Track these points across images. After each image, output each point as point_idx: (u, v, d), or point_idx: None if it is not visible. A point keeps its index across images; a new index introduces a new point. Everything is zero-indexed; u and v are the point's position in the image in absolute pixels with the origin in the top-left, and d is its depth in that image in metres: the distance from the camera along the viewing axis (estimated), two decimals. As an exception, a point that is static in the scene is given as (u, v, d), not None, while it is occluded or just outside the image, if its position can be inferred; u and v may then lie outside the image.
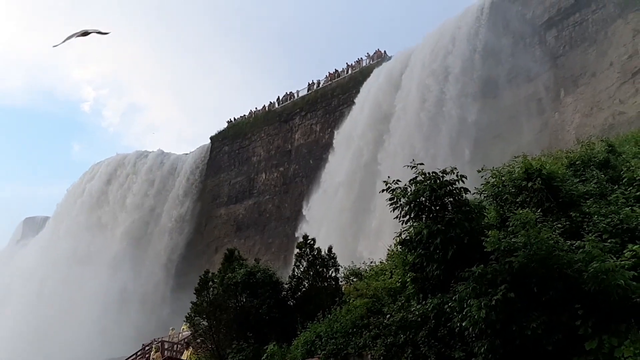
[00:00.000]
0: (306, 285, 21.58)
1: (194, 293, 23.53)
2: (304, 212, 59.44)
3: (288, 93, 74.00)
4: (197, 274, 25.47)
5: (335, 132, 60.18)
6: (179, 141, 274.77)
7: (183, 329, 38.14)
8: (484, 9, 48.28)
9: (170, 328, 45.23)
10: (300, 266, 21.91)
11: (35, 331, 68.63)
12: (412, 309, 12.65)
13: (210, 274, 23.85)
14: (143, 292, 72.79)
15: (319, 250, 21.94)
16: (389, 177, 13.29)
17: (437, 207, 12.39)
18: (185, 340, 33.54)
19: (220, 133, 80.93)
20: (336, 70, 67.82)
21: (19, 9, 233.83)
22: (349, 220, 49.12)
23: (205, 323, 22.79)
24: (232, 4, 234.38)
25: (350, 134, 56.22)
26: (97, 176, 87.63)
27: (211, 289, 22.94)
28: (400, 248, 14.04)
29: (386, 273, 18.24)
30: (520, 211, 11.25)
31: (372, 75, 58.26)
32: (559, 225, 11.39)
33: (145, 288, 73.34)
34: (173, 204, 79.24)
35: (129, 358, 38.95)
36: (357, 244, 44.61)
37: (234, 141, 77.90)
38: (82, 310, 68.41)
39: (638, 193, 12.90)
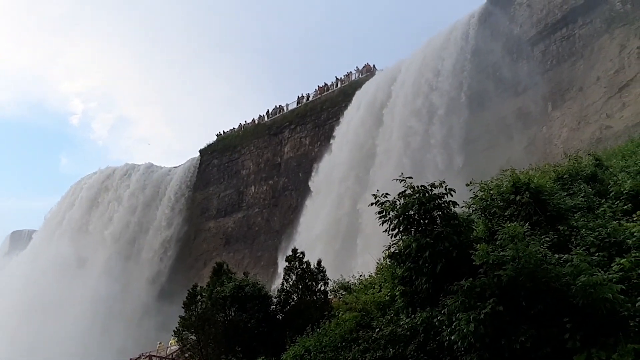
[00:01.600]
0: (295, 299, 21.48)
1: (182, 307, 23.38)
2: (279, 262, 55.39)
3: (278, 106, 74.19)
4: (186, 288, 25.32)
5: (313, 173, 58.85)
6: (168, 154, 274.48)
7: (171, 343, 37.87)
8: (471, 26, 48.65)
9: (158, 342, 44.89)
10: (289, 280, 21.82)
11: (21, 345, 67.90)
12: (401, 323, 12.62)
13: (198, 288, 23.72)
14: (130, 306, 72.23)
15: (308, 263, 21.86)
16: (377, 190, 13.30)
17: (426, 221, 12.39)
18: (174, 354, 33.29)
19: (209, 146, 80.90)
20: (325, 84, 68.07)
21: (9, 23, 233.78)
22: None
23: (193, 337, 22.65)
24: (220, 19, 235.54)
25: (329, 176, 54.08)
26: (77, 203, 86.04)
27: (199, 302, 22.81)
28: (389, 261, 14.02)
29: (375, 287, 18.21)
30: (509, 225, 11.27)
31: (352, 102, 57.57)
32: (547, 238, 11.43)
33: (133, 302, 72.78)
34: (155, 234, 78.28)
35: (116, 373, 38.59)
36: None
37: (223, 154, 77.87)
38: (68, 324, 67.85)
39: (625, 207, 12.99)
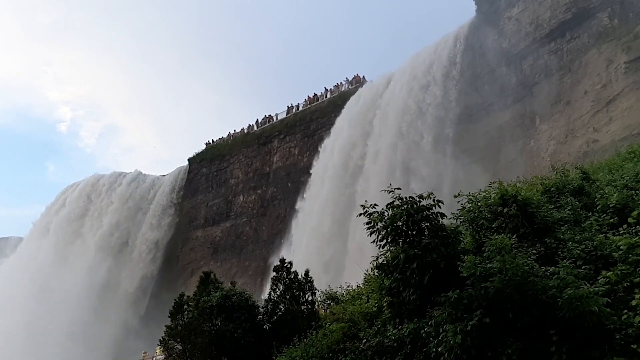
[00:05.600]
0: (282, 309, 21.40)
1: (169, 316, 23.24)
2: (266, 272, 52.01)
3: (267, 116, 74.13)
4: (172, 297, 25.18)
5: (297, 207, 57.72)
6: (156, 163, 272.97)
7: (157, 352, 37.60)
8: (460, 40, 48.94)
9: (143, 352, 44.58)
10: (277, 290, 21.74)
11: (4, 355, 67.16)
12: (389, 334, 12.58)
13: (185, 297, 23.59)
14: (116, 314, 71.59)
15: (295, 274, 21.80)
16: (366, 201, 13.31)
17: (414, 232, 12.40)
18: (159, 364, 33.06)
19: (198, 155, 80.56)
20: (315, 95, 68.16)
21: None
22: None
23: (179, 347, 22.49)
24: (208, 29, 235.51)
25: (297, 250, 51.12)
26: (64, 211, 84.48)
27: (186, 312, 22.69)
28: (377, 272, 14.01)
29: (363, 297, 18.18)
30: (496, 237, 11.32)
31: (323, 149, 56.84)
32: (534, 251, 11.49)
33: (119, 310, 72.15)
34: (142, 242, 77.48)
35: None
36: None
37: (211, 163, 77.62)
38: (51, 334, 67.16)
39: (612, 220, 13.07)
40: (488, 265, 10.49)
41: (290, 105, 70.87)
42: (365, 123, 52.04)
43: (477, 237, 12.78)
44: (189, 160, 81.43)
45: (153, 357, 40.19)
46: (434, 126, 46.49)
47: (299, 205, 56.45)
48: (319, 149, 58.55)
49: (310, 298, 21.46)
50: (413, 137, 46.96)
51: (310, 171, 57.85)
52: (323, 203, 50.91)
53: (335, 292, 21.85)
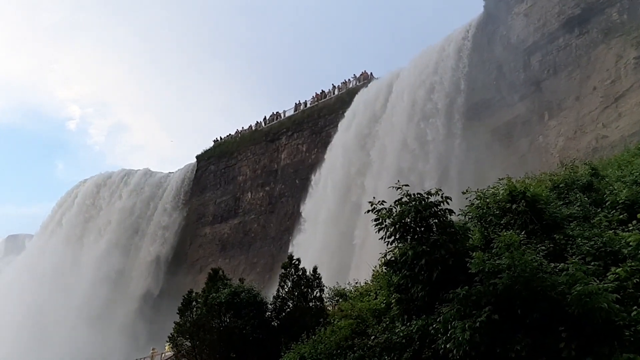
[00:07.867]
0: (290, 305, 21.41)
1: (177, 313, 23.30)
2: (274, 269, 52.72)
3: (275, 113, 74.14)
4: (181, 294, 25.25)
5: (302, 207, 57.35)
6: (163, 161, 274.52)
7: (166, 349, 37.69)
8: (468, 35, 48.66)
9: (152, 348, 44.67)
10: (285, 286, 21.76)
11: (17, 350, 67.59)
12: (397, 331, 12.58)
13: (194, 294, 23.65)
14: (125, 312, 71.83)
15: (303, 270, 21.81)
16: (374, 197, 13.31)
17: (422, 228, 12.39)
18: (168, 360, 33.14)
19: (206, 152, 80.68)
20: (322, 91, 68.12)
21: (4, 31, 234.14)
22: None
23: (188, 343, 22.55)
24: (215, 28, 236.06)
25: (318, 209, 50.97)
26: (73, 208, 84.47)
27: (195, 308, 22.74)
28: (385, 269, 14.01)
29: (371, 294, 18.19)
30: (505, 233, 11.29)
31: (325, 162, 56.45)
32: (543, 247, 11.46)
33: (127, 307, 72.37)
34: (151, 239, 77.43)
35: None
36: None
37: (220, 160, 77.73)
38: (62, 330, 67.50)
39: (621, 216, 13.03)
40: (497, 262, 10.46)
41: (297, 102, 70.92)
42: (362, 154, 50.79)
43: (485, 233, 12.76)
44: (197, 157, 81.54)
45: (162, 353, 40.26)
46: (437, 167, 45.54)
47: (290, 250, 53.54)
48: (311, 179, 58.20)
49: (318, 295, 21.47)
50: (416, 178, 44.86)
51: (301, 210, 57.13)
52: (316, 254, 46.87)
53: (344, 289, 21.86)
